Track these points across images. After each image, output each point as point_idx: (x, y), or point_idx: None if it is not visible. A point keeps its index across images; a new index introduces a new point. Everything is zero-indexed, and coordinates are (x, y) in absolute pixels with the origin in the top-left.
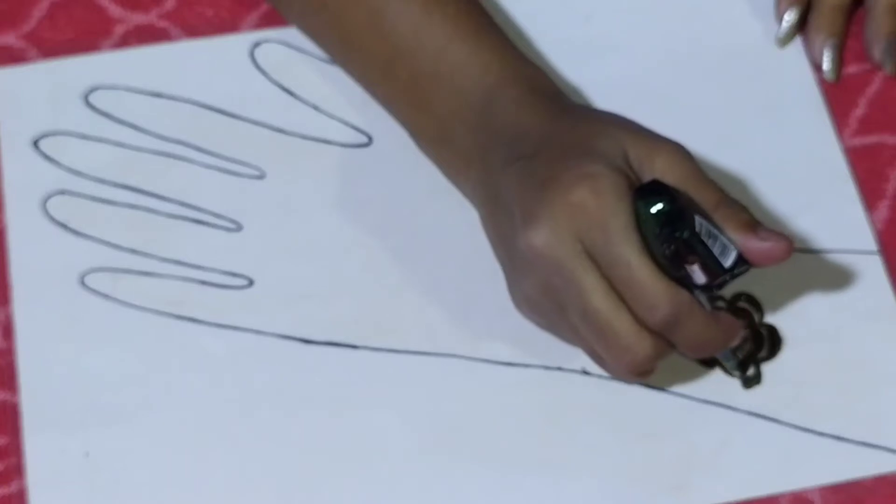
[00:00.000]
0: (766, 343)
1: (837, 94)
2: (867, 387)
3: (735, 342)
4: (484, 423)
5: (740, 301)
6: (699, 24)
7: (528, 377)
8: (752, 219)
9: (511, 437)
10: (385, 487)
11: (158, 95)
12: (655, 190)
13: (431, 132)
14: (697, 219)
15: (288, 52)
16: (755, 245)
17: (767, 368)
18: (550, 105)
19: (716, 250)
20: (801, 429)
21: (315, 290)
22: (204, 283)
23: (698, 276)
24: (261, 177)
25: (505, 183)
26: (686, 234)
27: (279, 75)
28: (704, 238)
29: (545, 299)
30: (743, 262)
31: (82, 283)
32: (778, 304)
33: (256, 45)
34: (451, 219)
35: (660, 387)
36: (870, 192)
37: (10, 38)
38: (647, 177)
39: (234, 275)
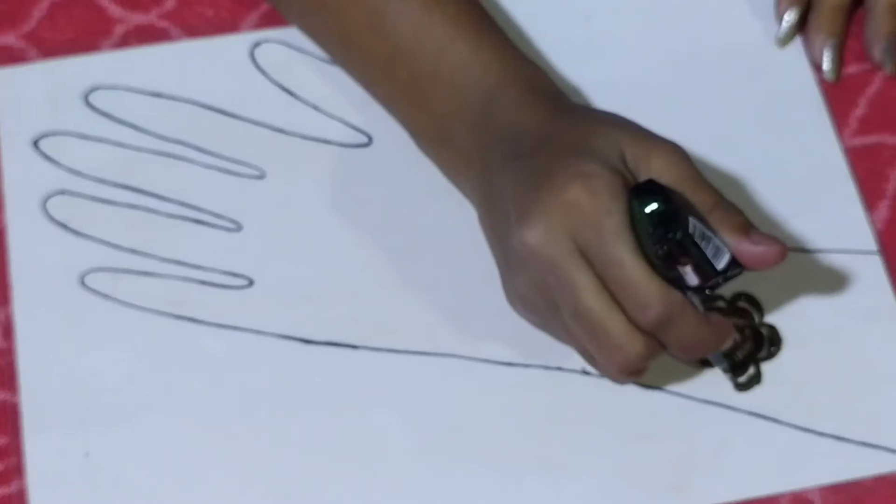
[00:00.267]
0: (766, 343)
1: (837, 94)
2: (867, 387)
3: (727, 344)
4: (484, 423)
5: (740, 301)
6: (699, 24)
7: (528, 377)
8: (747, 222)
9: (511, 437)
10: (385, 487)
11: (158, 95)
12: (651, 190)
13: (431, 132)
14: (691, 220)
15: (288, 52)
16: (748, 249)
17: (767, 368)
18: (550, 105)
19: (709, 252)
20: (801, 429)
21: (315, 290)
22: (204, 283)
23: (690, 277)
24: (261, 177)
25: (502, 181)
26: (679, 236)
27: (279, 75)
28: (698, 240)
29: (538, 297)
30: (736, 264)
31: (82, 283)
32: (778, 304)
33: (256, 45)
34: (451, 219)
35: (660, 387)
36: (870, 192)
37: (10, 38)
38: (643, 177)
39: (234, 275)
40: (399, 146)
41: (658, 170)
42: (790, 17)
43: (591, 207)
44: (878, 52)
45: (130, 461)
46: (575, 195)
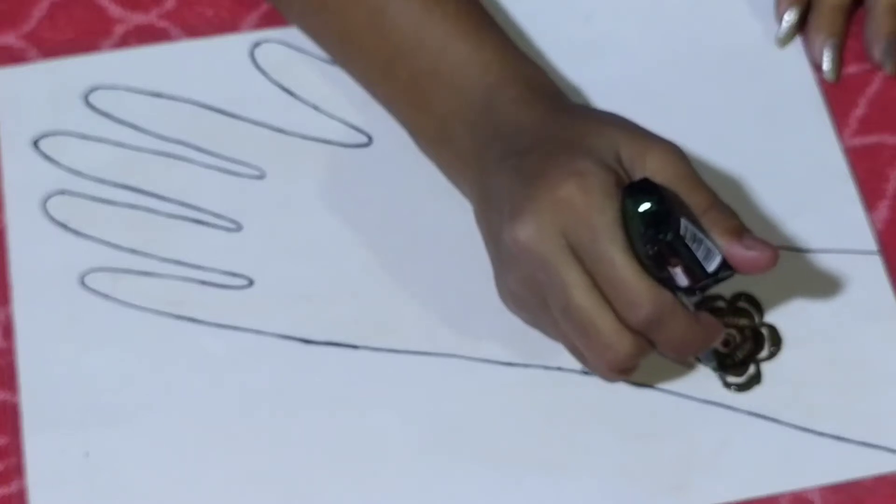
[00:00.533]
0: (766, 343)
1: (837, 94)
2: (867, 387)
3: (716, 344)
4: (484, 423)
5: (740, 301)
6: (699, 24)
7: (528, 377)
8: (740, 225)
9: (511, 437)
10: (385, 487)
11: (158, 95)
12: (645, 189)
13: (431, 132)
14: (683, 221)
15: (288, 52)
16: (739, 252)
17: (767, 368)
18: (549, 104)
19: (700, 254)
20: (800, 429)
21: (315, 290)
22: (204, 283)
23: (680, 278)
24: (261, 177)
25: (498, 178)
26: (669, 237)
27: (279, 75)
28: (689, 241)
29: (529, 294)
30: (726, 267)
31: (82, 283)
32: (778, 304)
33: (256, 45)
34: (450, 219)
35: (660, 387)
36: (870, 192)
37: (10, 38)
38: (638, 176)
39: (234, 275)
40: (399, 146)
41: (653, 169)
42: (790, 17)
43: (583, 205)
44: (878, 52)
45: (130, 461)
46: (568, 192)
